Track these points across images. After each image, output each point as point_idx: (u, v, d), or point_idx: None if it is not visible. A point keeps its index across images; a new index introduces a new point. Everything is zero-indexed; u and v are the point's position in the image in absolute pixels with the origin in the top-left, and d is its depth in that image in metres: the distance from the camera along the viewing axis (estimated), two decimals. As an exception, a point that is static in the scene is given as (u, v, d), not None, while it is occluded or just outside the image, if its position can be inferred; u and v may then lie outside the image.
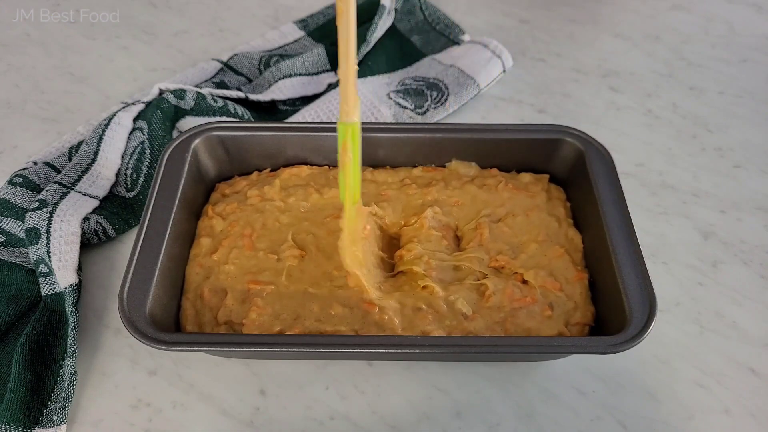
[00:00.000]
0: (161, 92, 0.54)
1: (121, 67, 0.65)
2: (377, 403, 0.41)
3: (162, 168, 0.44)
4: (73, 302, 0.43)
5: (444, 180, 0.48)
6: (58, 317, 0.43)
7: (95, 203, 0.48)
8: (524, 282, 0.42)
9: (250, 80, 0.62)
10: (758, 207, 0.53)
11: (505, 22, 0.72)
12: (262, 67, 0.63)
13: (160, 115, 0.53)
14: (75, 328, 0.42)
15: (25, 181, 0.49)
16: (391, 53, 0.64)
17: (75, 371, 0.41)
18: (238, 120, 0.55)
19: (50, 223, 0.44)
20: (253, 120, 0.56)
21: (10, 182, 0.49)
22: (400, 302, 0.40)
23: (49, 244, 0.43)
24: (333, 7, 0.71)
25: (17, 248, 0.47)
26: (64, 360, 0.41)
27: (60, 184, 0.48)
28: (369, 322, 0.39)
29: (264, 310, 0.40)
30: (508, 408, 0.41)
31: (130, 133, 0.52)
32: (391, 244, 0.46)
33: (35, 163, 0.51)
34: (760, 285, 0.48)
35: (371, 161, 0.49)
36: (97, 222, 0.48)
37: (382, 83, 0.61)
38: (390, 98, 0.59)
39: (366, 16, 0.67)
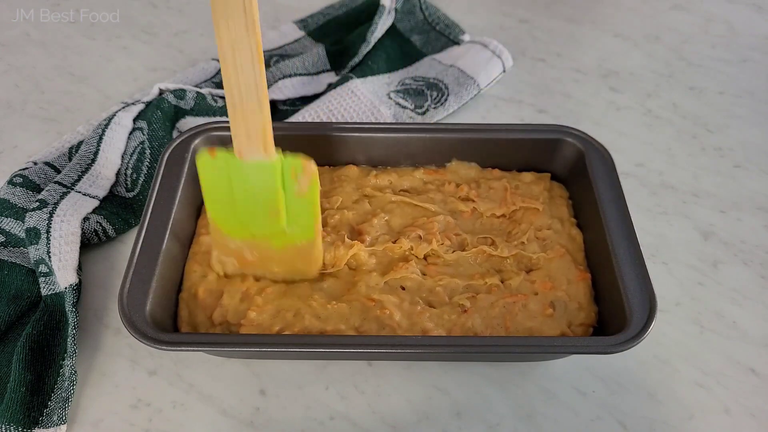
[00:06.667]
0: (161, 92, 0.54)
1: (121, 67, 0.65)
2: (377, 403, 0.41)
3: (162, 168, 0.44)
4: (73, 302, 0.43)
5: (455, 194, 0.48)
6: (58, 317, 0.43)
7: (95, 203, 0.48)
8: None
9: (250, 80, 0.62)
10: (758, 207, 0.53)
11: (505, 22, 0.72)
12: (262, 67, 0.63)
13: (160, 115, 0.53)
14: (75, 328, 0.42)
15: (25, 181, 0.49)
16: (391, 53, 0.64)
17: (75, 371, 0.41)
18: (238, 120, 0.54)
19: (50, 223, 0.44)
20: (253, 120, 0.56)
21: (10, 182, 0.49)
22: (399, 297, 0.41)
23: (49, 244, 0.43)
24: (333, 7, 0.71)
25: (17, 248, 0.47)
26: (64, 360, 0.41)
27: (60, 184, 0.48)
28: (369, 318, 0.40)
29: (264, 308, 0.40)
30: (508, 408, 0.41)
31: (130, 133, 0.52)
32: None
33: (35, 163, 0.51)
34: (760, 285, 0.48)
35: (371, 162, 0.49)
36: (97, 222, 0.48)
37: (382, 83, 0.61)
38: (390, 98, 0.59)
39: (366, 16, 0.67)
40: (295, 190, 0.37)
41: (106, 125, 0.50)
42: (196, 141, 0.46)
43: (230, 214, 0.39)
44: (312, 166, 0.36)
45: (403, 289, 0.42)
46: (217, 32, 0.32)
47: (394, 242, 0.43)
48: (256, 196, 0.37)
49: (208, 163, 0.37)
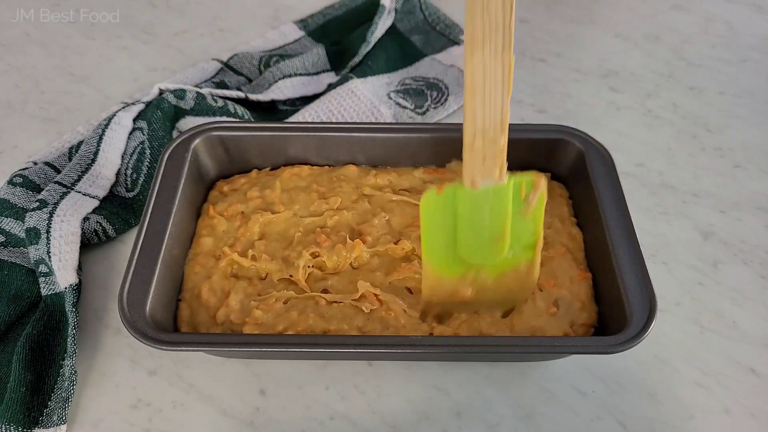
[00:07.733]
0: (161, 92, 0.54)
1: (121, 67, 0.65)
2: (377, 403, 0.41)
3: (162, 168, 0.44)
4: (73, 302, 0.43)
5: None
6: (58, 317, 0.43)
7: (95, 203, 0.48)
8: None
9: (250, 80, 0.62)
10: (758, 207, 0.53)
11: (505, 22, 0.72)
12: (262, 67, 0.63)
13: (160, 115, 0.53)
14: (75, 328, 0.42)
15: (25, 181, 0.49)
16: (391, 53, 0.64)
17: (75, 371, 0.41)
18: (238, 120, 0.55)
19: (50, 223, 0.44)
20: (253, 120, 0.56)
21: (10, 182, 0.49)
22: (404, 298, 0.41)
23: (49, 244, 0.43)
24: (333, 7, 0.71)
25: (17, 248, 0.47)
26: (64, 360, 0.41)
27: (60, 184, 0.48)
28: (374, 318, 0.40)
29: (272, 306, 0.40)
30: (508, 408, 0.41)
31: (130, 133, 0.52)
32: None
33: (35, 163, 0.51)
34: (760, 285, 0.48)
35: (371, 162, 0.49)
36: (97, 222, 0.48)
37: (382, 83, 0.61)
38: (390, 98, 0.59)
39: (366, 16, 0.67)
40: (521, 209, 0.35)
41: (106, 125, 0.50)
42: (196, 141, 0.46)
43: (449, 251, 0.37)
44: (543, 182, 0.34)
45: (410, 291, 0.42)
46: (468, 52, 0.30)
47: (396, 243, 0.43)
48: (482, 224, 0.35)
49: (432, 202, 0.35)
